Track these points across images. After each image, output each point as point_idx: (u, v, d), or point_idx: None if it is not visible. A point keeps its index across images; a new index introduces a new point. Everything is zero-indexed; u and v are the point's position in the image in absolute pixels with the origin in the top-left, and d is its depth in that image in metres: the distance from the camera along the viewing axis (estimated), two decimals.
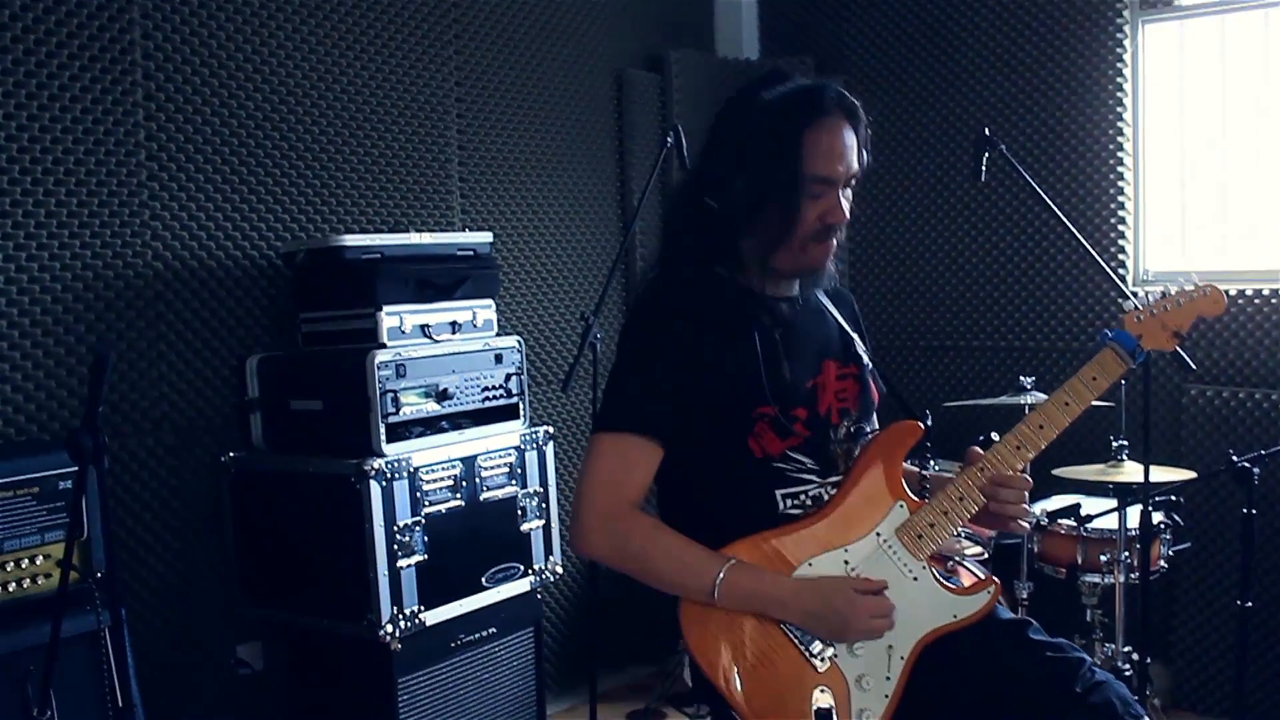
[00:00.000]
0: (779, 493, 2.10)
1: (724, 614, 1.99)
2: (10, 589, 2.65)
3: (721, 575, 1.97)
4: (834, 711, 1.94)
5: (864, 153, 2.13)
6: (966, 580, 3.55)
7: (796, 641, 1.99)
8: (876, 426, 2.29)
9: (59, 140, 3.12)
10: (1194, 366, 3.08)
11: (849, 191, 2.12)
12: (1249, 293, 4.22)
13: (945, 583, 2.09)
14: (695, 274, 2.15)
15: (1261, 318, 4.18)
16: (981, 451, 2.14)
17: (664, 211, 2.24)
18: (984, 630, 2.08)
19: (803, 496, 2.11)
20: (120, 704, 2.52)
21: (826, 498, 2.11)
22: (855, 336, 2.28)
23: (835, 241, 2.14)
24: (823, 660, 1.99)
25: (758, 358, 2.07)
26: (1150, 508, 3.87)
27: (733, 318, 2.11)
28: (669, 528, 2.05)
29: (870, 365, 2.27)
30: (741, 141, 2.10)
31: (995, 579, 2.11)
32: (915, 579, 2.06)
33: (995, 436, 2.18)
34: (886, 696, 2.00)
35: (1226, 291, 4.17)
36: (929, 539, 2.08)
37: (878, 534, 2.08)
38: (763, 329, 2.11)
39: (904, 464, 2.16)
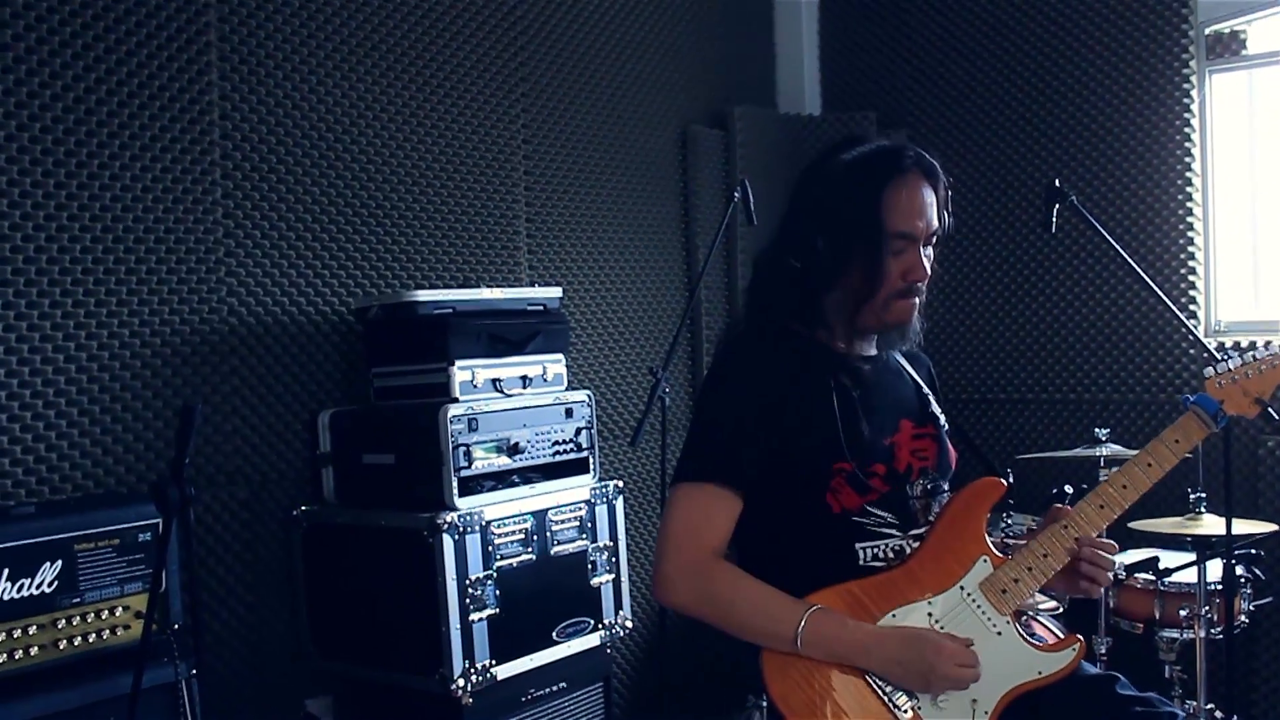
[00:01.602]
0: (859, 546, 2.09)
1: (807, 663, 1.97)
2: (90, 640, 2.66)
3: (805, 622, 1.96)
4: None
5: (944, 212, 2.18)
6: (1044, 635, 3.50)
7: (880, 693, 1.97)
8: (951, 486, 2.28)
9: (139, 199, 3.19)
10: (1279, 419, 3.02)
11: (930, 250, 2.15)
12: None
13: (1030, 639, 2.06)
14: (776, 331, 2.17)
15: None
16: (1067, 508, 2.13)
17: (751, 274, 2.26)
18: (1070, 686, 2.06)
19: (884, 549, 2.10)
20: None
21: (909, 551, 2.10)
22: (931, 397, 2.29)
23: (918, 299, 2.16)
24: (906, 711, 1.96)
25: (835, 414, 2.09)
26: (1233, 562, 3.81)
27: (812, 374, 2.13)
28: (751, 576, 2.04)
29: (947, 426, 2.26)
30: (823, 201, 2.15)
31: (1079, 637, 2.08)
32: (1000, 633, 2.04)
33: (1068, 489, 2.16)
34: None
35: None
36: (1013, 594, 2.06)
37: (962, 588, 2.06)
38: (841, 386, 2.13)
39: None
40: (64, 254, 3.05)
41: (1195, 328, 4.41)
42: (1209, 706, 3.65)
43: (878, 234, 2.07)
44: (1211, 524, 3.58)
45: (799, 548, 2.09)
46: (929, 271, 2.14)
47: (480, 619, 3.22)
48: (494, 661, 3.25)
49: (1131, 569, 3.79)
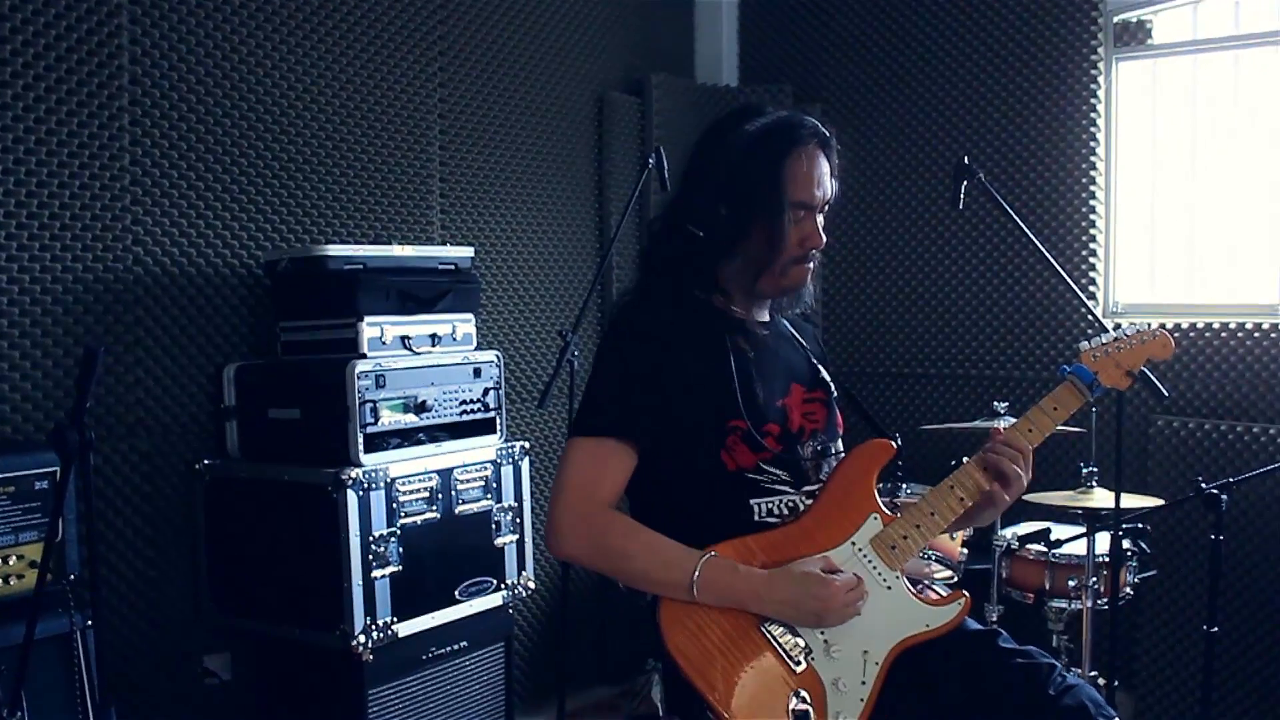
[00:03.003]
0: (753, 501, 2.14)
1: (703, 614, 2.01)
2: None
3: (699, 569, 2.00)
4: (810, 713, 1.96)
5: (834, 180, 2.24)
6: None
7: (775, 644, 2.02)
8: (842, 450, 2.34)
9: (43, 142, 3.13)
10: (1165, 394, 3.13)
11: (823, 217, 2.22)
12: (1215, 326, 4.29)
13: (918, 594, 2.12)
14: (674, 294, 2.21)
15: (1228, 351, 4.25)
16: (1000, 427, 2.24)
17: (645, 237, 2.30)
18: (955, 640, 2.12)
19: (778, 505, 2.14)
20: (94, 706, 2.50)
21: (802, 508, 2.15)
22: (820, 364, 2.35)
23: (813, 265, 2.23)
24: (800, 663, 2.01)
25: (732, 374, 2.14)
26: (1120, 535, 3.94)
27: (710, 336, 2.18)
28: (646, 527, 2.07)
29: (835, 393, 2.32)
30: (725, 171, 2.19)
31: (965, 593, 2.15)
32: (889, 588, 2.10)
33: (965, 460, 2.24)
34: (862, 700, 2.02)
35: (1195, 325, 4.29)
36: (902, 550, 2.12)
37: (853, 543, 2.11)
38: (738, 349, 2.19)
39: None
40: None
41: (1094, 308, 4.53)
42: (1092, 674, 3.78)
43: (779, 203, 2.13)
44: (1102, 498, 3.69)
45: (695, 503, 2.12)
46: (824, 238, 2.20)
47: (383, 576, 3.22)
48: (395, 619, 3.26)
49: (1024, 540, 3.90)
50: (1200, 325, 4.32)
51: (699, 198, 2.20)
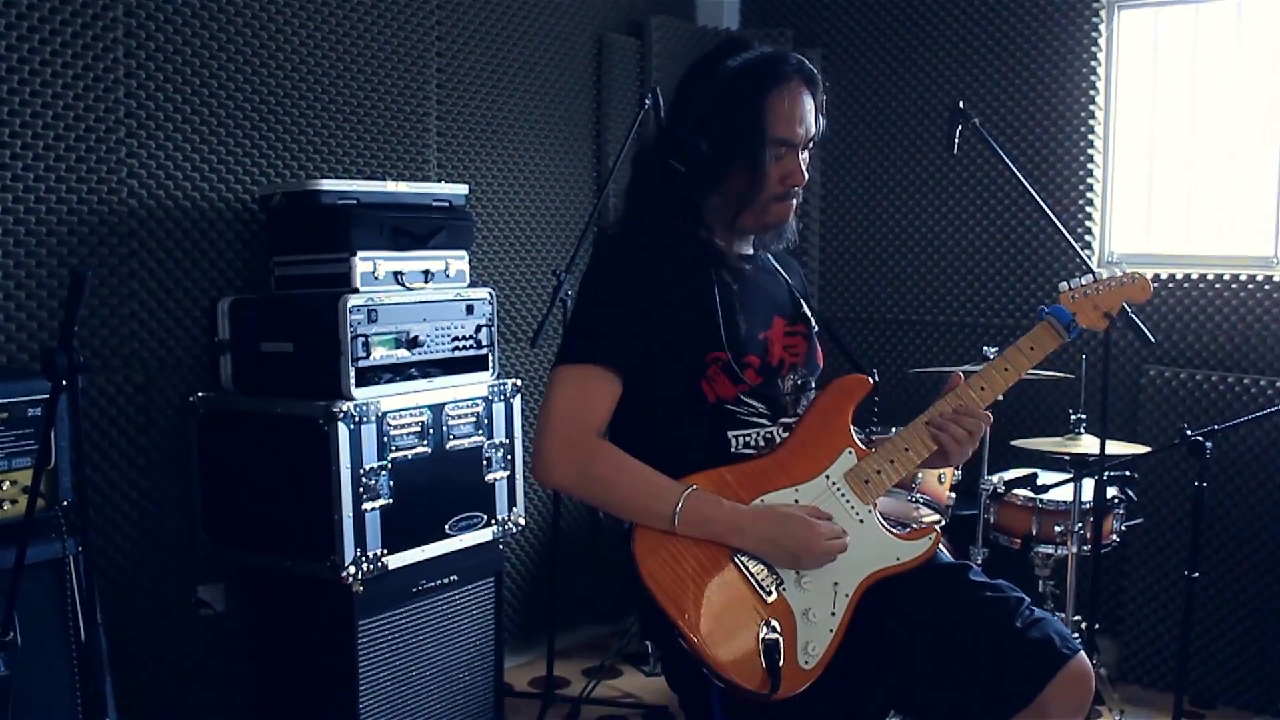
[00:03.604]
0: (731, 433, 2.16)
1: (677, 543, 2.04)
2: None
3: (682, 501, 2.03)
4: (780, 643, 2.00)
5: (821, 118, 2.25)
6: None
7: (747, 574, 2.05)
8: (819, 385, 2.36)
9: (37, 73, 3.14)
10: (1153, 339, 3.15)
11: (807, 154, 2.23)
12: (1210, 277, 4.29)
13: (890, 528, 2.15)
14: (657, 227, 2.22)
15: (1221, 302, 4.26)
16: (960, 374, 2.25)
17: (631, 173, 2.31)
18: (926, 574, 2.16)
19: (755, 437, 2.17)
20: (84, 629, 2.53)
21: (778, 440, 2.18)
22: (803, 299, 2.37)
23: (796, 201, 2.24)
24: (771, 593, 2.04)
25: (715, 306, 2.16)
26: (1105, 481, 3.97)
27: (693, 268, 2.19)
28: (631, 456, 2.10)
29: (817, 328, 2.34)
30: (707, 107, 2.20)
31: (936, 527, 2.18)
32: (862, 521, 2.13)
33: (961, 376, 2.26)
34: (831, 631, 2.06)
35: (1189, 276, 4.30)
36: (875, 485, 2.15)
37: (827, 477, 2.14)
38: (721, 281, 2.20)
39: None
40: None
41: (1089, 257, 4.54)
42: (1076, 618, 3.82)
43: (760, 140, 2.14)
44: (1089, 444, 3.72)
45: (674, 433, 2.15)
46: (806, 176, 2.21)
47: (373, 509, 3.26)
48: (385, 551, 3.30)
49: (1010, 484, 3.94)
50: (1195, 276, 4.32)
51: (681, 133, 2.20)
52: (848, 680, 2.09)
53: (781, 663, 1.99)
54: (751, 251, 2.33)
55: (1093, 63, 4.54)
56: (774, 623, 2.02)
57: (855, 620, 2.07)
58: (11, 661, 2.56)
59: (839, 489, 2.13)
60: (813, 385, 2.28)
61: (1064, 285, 2.37)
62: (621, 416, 2.15)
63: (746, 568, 2.05)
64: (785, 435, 2.18)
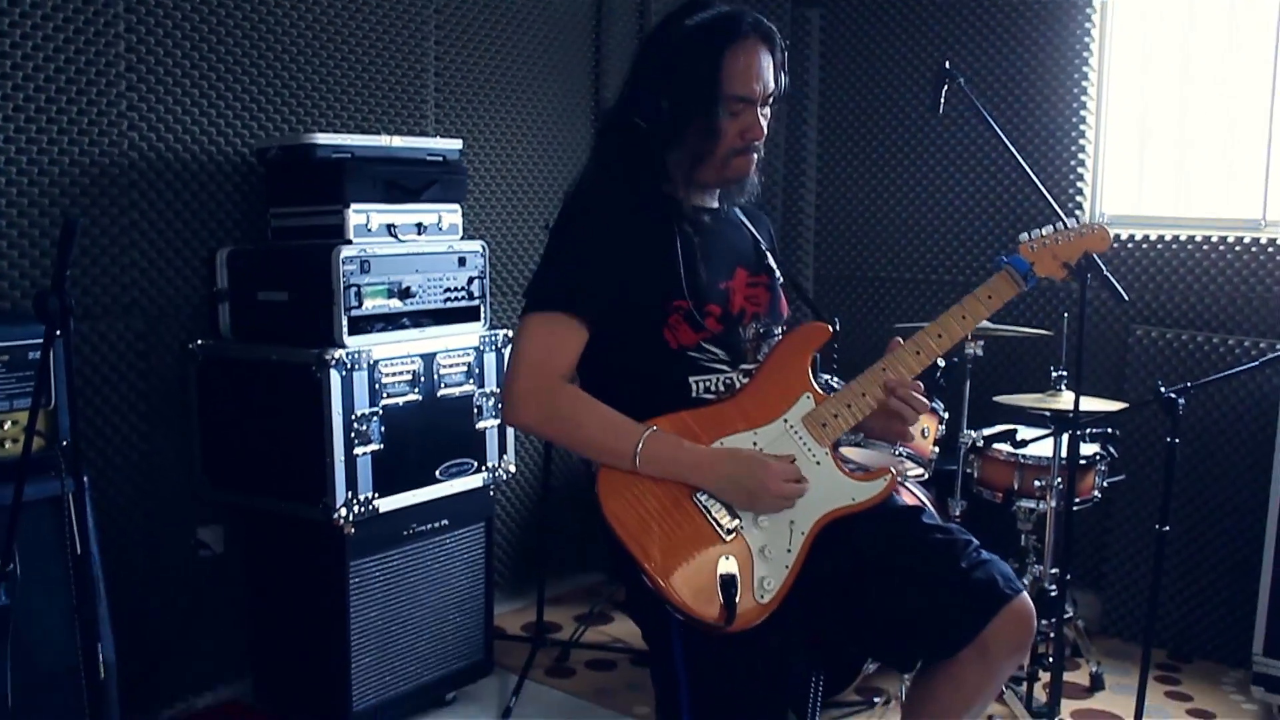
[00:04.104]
0: (692, 379, 2.24)
1: (639, 483, 2.12)
2: None
3: (644, 441, 2.11)
4: (737, 578, 2.08)
5: (782, 74, 2.30)
6: (906, 498, 3.71)
7: (706, 513, 2.13)
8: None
9: (39, 27, 3.21)
10: (1126, 297, 3.20)
11: (768, 110, 2.29)
12: (1199, 239, 4.34)
13: (846, 469, 2.23)
14: (623, 181, 2.30)
15: (1209, 264, 4.31)
16: (901, 340, 2.29)
17: (598, 130, 2.39)
18: (880, 515, 2.24)
19: (715, 382, 2.25)
20: (79, 556, 2.63)
21: (738, 385, 2.25)
22: (768, 251, 2.44)
23: (756, 156, 2.30)
24: (729, 532, 2.13)
25: (677, 257, 2.23)
26: (1085, 438, 4.04)
27: (656, 220, 2.27)
28: (595, 399, 2.19)
29: (780, 279, 2.41)
30: (665, 65, 2.26)
31: (891, 470, 2.26)
32: (819, 463, 2.21)
33: (900, 340, 2.32)
34: (787, 568, 2.14)
35: (1178, 237, 4.34)
36: (832, 428, 2.22)
37: (785, 420, 2.22)
38: (684, 233, 2.27)
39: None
40: None
41: (1078, 218, 4.57)
42: (1054, 571, 3.90)
43: (716, 96, 2.20)
44: (1069, 401, 3.77)
45: (637, 379, 2.23)
46: (765, 131, 2.27)
47: (364, 453, 3.35)
48: (376, 494, 3.40)
49: (990, 439, 4.01)
50: (1184, 238, 4.37)
51: (642, 91, 2.28)
52: (802, 615, 2.17)
53: (738, 597, 2.07)
54: (716, 205, 2.39)
55: (1087, 24, 4.56)
56: (731, 559, 2.10)
57: (811, 557, 2.15)
58: (12, 591, 2.64)
59: (797, 432, 2.21)
60: (775, 334, 2.36)
61: (1023, 236, 2.42)
62: (588, 362, 2.23)
63: (705, 507, 2.13)
64: (745, 381, 2.26)
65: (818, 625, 2.25)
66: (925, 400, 2.25)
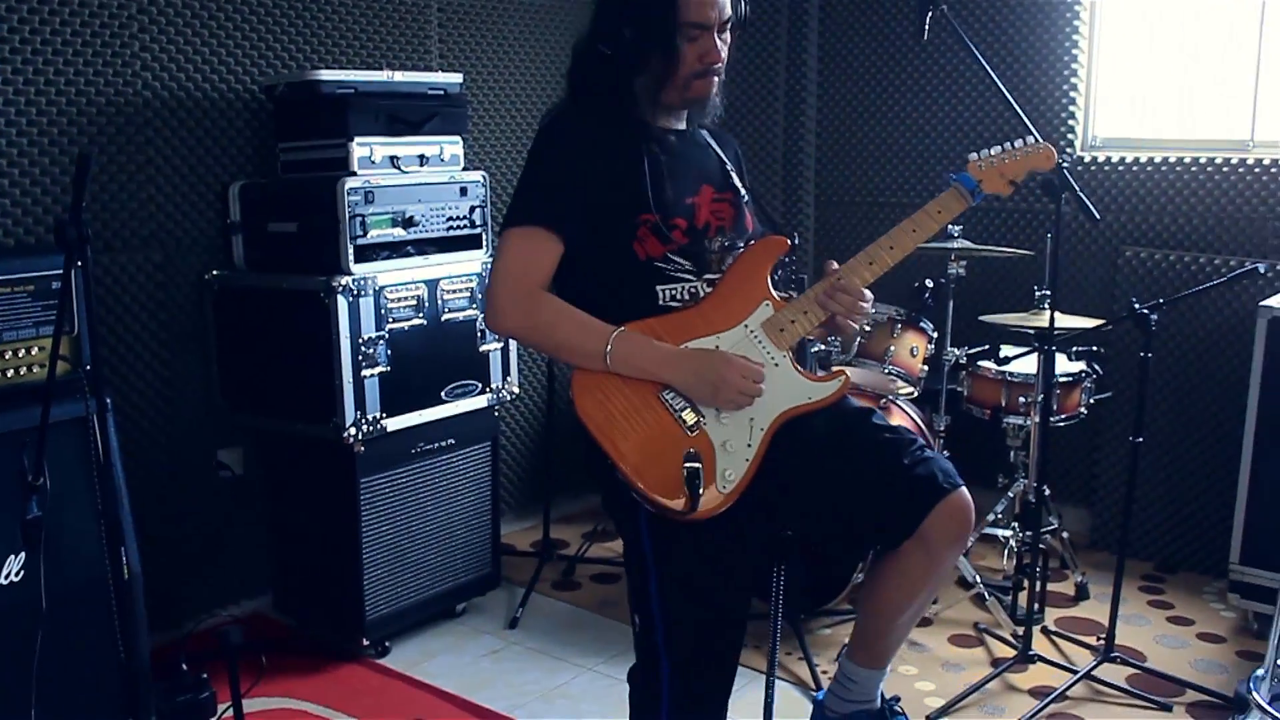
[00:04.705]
0: (659, 288, 2.39)
1: (610, 383, 2.28)
2: (9, 375, 2.92)
3: (613, 341, 2.28)
4: (700, 470, 2.25)
5: (741, 2, 2.42)
6: (896, 418, 3.86)
7: (671, 409, 2.29)
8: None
9: None
10: (1098, 216, 3.32)
11: (726, 35, 2.42)
12: (1187, 160, 4.43)
13: (803, 370, 2.39)
14: (593, 105, 2.45)
15: (1197, 185, 4.40)
16: (836, 264, 2.44)
17: (570, 57, 2.53)
18: (834, 415, 2.39)
19: (681, 290, 2.40)
20: (103, 466, 2.79)
21: (702, 294, 2.41)
22: (734, 171, 2.58)
23: (716, 79, 2.44)
24: (693, 427, 2.29)
25: (645, 173, 2.38)
26: (1071, 356, 4.17)
27: (625, 140, 2.41)
28: (571, 305, 2.35)
29: (747, 197, 2.55)
30: None
31: (845, 371, 2.41)
32: (777, 365, 2.36)
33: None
34: (747, 461, 2.30)
35: (1167, 159, 4.42)
36: (790, 333, 2.38)
37: (746, 325, 2.37)
38: (651, 152, 2.42)
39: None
40: None
41: (1071, 141, 4.68)
42: (1036, 485, 4.04)
43: (672, 24, 2.34)
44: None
45: (608, 289, 2.38)
46: (723, 56, 2.41)
47: (372, 375, 3.53)
48: (384, 414, 3.58)
49: (974, 357, 4.15)
50: (1173, 160, 4.46)
51: (606, 22, 2.43)
52: (760, 505, 2.33)
53: (701, 488, 2.24)
54: (683, 127, 2.54)
55: None
56: (694, 452, 2.26)
57: (769, 453, 2.31)
58: (43, 504, 2.83)
59: (757, 336, 2.36)
60: (739, 247, 2.50)
61: (972, 155, 2.56)
62: (563, 274, 2.39)
63: (670, 404, 2.29)
64: (709, 290, 2.41)
65: (773, 515, 2.42)
66: (861, 303, 2.39)
